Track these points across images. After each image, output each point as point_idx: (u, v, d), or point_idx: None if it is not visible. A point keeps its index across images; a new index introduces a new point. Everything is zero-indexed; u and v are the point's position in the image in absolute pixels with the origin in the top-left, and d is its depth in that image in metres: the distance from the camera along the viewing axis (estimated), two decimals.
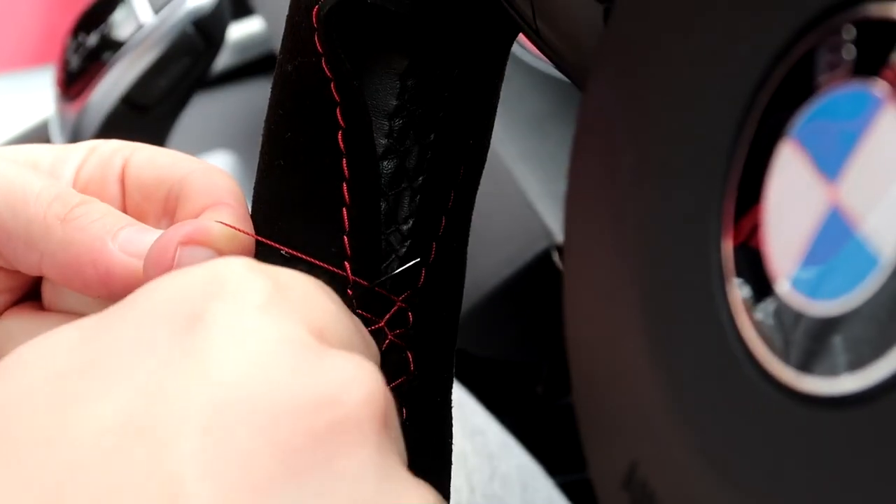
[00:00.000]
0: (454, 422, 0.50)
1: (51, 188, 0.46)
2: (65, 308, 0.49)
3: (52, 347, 0.37)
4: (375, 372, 0.36)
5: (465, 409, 0.77)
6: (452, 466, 0.50)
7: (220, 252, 0.45)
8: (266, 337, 0.36)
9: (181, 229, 0.45)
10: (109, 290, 0.46)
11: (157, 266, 0.44)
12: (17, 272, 0.48)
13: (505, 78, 0.49)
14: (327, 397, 0.35)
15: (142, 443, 0.34)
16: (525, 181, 0.78)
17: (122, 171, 0.49)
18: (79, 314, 0.47)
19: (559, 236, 0.78)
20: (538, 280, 0.80)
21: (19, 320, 0.49)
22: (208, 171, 0.48)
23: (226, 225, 0.46)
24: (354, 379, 0.36)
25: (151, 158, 0.49)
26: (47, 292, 0.49)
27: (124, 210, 0.49)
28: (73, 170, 0.49)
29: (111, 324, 0.37)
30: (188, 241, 0.45)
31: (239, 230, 0.46)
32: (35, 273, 0.47)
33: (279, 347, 0.36)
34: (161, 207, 0.49)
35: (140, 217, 0.48)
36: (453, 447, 0.50)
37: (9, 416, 0.35)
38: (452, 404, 0.50)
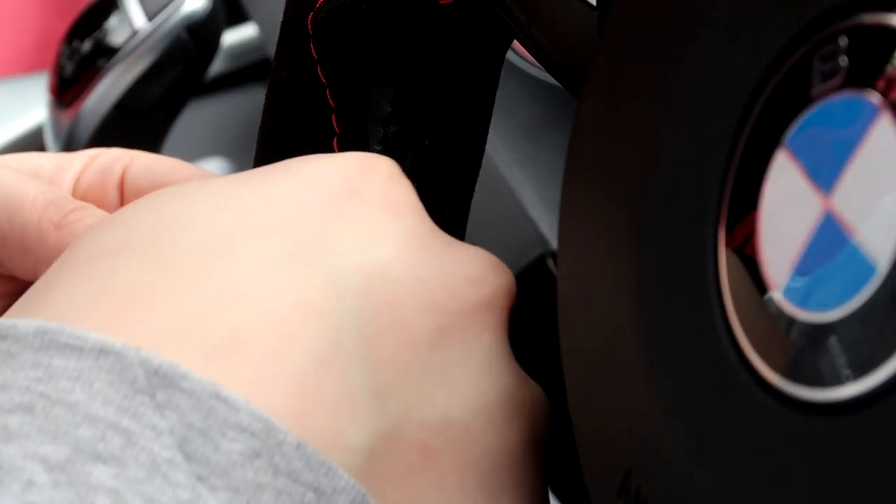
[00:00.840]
0: None
1: (46, 194, 0.46)
2: None
3: (210, 189, 0.39)
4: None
5: None
6: None
7: None
8: (420, 217, 0.39)
9: None
10: None
11: None
12: (13, 277, 0.48)
13: (499, 84, 0.49)
14: (478, 276, 0.39)
15: (304, 277, 0.36)
16: (519, 187, 0.78)
17: (120, 179, 0.49)
18: None
19: (554, 243, 0.78)
20: (533, 286, 0.80)
21: None
22: (206, 179, 0.48)
23: None
24: (498, 266, 0.40)
25: (149, 166, 0.49)
26: None
27: None
28: (73, 177, 0.49)
29: (267, 180, 0.39)
30: None
31: None
32: (30, 278, 0.47)
33: (432, 228, 0.39)
34: None
35: None
36: None
37: (168, 232, 0.37)
38: None
